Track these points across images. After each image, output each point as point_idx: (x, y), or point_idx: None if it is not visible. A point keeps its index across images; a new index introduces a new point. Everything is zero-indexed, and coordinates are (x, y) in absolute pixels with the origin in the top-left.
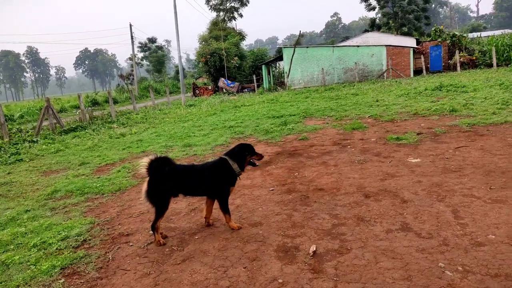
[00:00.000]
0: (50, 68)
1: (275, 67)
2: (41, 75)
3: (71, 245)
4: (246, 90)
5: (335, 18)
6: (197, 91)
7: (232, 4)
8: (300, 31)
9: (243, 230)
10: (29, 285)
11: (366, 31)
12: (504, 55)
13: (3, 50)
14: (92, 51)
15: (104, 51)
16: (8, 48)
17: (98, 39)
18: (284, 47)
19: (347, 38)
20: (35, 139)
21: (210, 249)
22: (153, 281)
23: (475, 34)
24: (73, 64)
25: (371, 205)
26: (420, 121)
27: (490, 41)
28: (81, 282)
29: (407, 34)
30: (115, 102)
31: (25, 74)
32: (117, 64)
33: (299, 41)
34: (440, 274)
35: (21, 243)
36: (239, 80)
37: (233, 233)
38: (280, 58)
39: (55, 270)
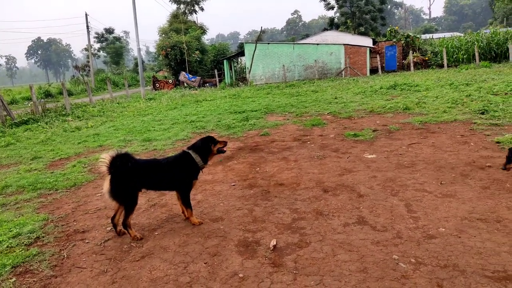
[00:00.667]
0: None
1: (237, 63)
2: None
3: (23, 243)
4: (207, 84)
5: (295, 16)
6: (157, 85)
7: None
8: (261, 27)
9: (204, 226)
10: None
11: (325, 29)
12: (454, 57)
13: None
14: (45, 41)
15: (58, 40)
16: None
17: (52, 28)
18: (246, 43)
19: (307, 36)
20: None
21: (171, 245)
22: (111, 278)
23: (427, 36)
24: (25, 54)
25: (330, 200)
26: (376, 118)
27: (441, 43)
28: (34, 281)
29: (364, 33)
30: (70, 94)
31: None
32: (72, 55)
33: (261, 37)
34: (394, 266)
35: None
36: (201, 74)
37: (194, 229)
38: (242, 53)
39: (6, 269)
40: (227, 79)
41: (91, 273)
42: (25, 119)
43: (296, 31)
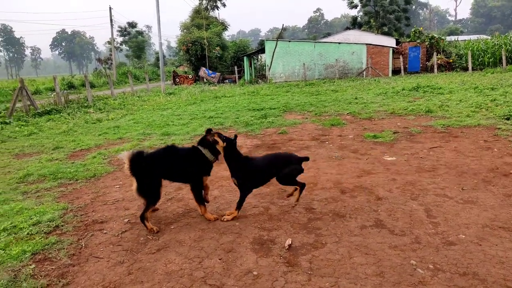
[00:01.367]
0: (25, 48)
1: (257, 60)
2: (15, 55)
3: (42, 231)
4: (227, 81)
5: (317, 14)
6: (177, 80)
7: None
8: (283, 24)
9: (219, 222)
10: None
11: (347, 28)
12: (479, 60)
13: None
14: (69, 33)
15: (82, 33)
16: None
17: (76, 21)
18: (267, 40)
19: (329, 34)
20: (7, 121)
21: (186, 240)
22: (127, 269)
23: (452, 38)
24: (50, 45)
25: (347, 201)
26: (397, 120)
27: (466, 45)
28: (52, 269)
29: (387, 33)
30: (92, 86)
31: None
32: (95, 48)
33: (282, 34)
34: (411, 272)
35: None
36: (221, 70)
37: (209, 224)
38: (262, 50)
39: (26, 256)
40: (247, 76)
41: (107, 263)
42: (48, 109)
43: (317, 29)
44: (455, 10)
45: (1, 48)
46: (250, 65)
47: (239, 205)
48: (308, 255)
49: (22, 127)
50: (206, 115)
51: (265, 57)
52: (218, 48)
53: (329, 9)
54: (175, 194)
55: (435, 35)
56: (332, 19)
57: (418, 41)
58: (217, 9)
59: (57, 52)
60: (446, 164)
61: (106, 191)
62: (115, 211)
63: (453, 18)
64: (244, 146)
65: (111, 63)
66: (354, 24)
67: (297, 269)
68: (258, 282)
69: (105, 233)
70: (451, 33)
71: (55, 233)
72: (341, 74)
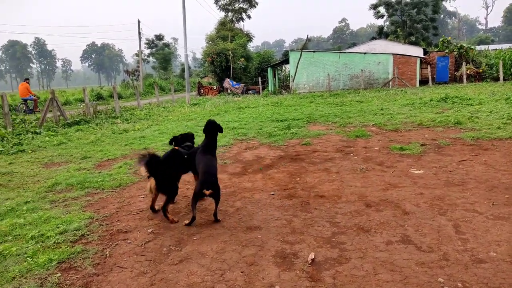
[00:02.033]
0: (56, 60)
1: (281, 70)
2: (47, 67)
3: (69, 239)
4: (251, 91)
5: (343, 24)
6: (202, 90)
7: (241, 5)
8: (307, 35)
9: (242, 234)
10: (25, 278)
11: (373, 38)
12: (511, 70)
13: (10, 40)
14: (99, 45)
15: (111, 45)
16: (15, 38)
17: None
18: (291, 51)
19: (354, 44)
20: (38, 131)
21: (208, 251)
22: (149, 280)
23: (482, 47)
24: (80, 57)
25: (372, 215)
26: (425, 132)
27: (497, 55)
28: (77, 277)
29: (415, 43)
30: (120, 97)
31: (31, 65)
32: (123, 60)
33: (306, 45)
34: None
35: (19, 235)
36: (245, 81)
37: (231, 236)
38: (286, 61)
39: (52, 264)
40: (271, 87)
41: (131, 273)
42: (77, 119)
43: (343, 39)
44: (486, 18)
45: (34, 60)
46: (274, 76)
47: None
48: (332, 270)
49: (52, 137)
50: (230, 125)
51: (289, 68)
52: (242, 59)
53: (355, 19)
54: (198, 205)
55: (464, 45)
56: (358, 29)
57: (447, 50)
58: (242, 21)
59: (86, 64)
60: (476, 178)
61: (131, 200)
62: (139, 221)
63: (483, 27)
64: (267, 157)
65: (138, 75)
66: (380, 34)
67: (320, 285)
68: None
69: (129, 242)
70: (481, 42)
71: (81, 242)
72: (366, 85)
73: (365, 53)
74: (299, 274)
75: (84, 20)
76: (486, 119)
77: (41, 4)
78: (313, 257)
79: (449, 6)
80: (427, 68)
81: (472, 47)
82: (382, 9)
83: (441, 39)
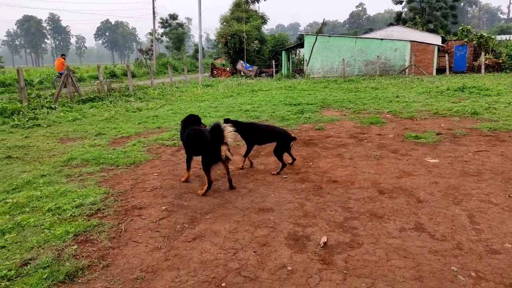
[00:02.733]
0: (70, 37)
1: (295, 54)
2: (61, 43)
3: (85, 213)
4: (264, 74)
5: (360, 9)
6: (215, 72)
7: None
8: (323, 19)
9: (254, 215)
10: (42, 248)
11: (391, 24)
12: None
13: (25, 15)
14: (113, 23)
15: (125, 24)
16: (30, 13)
17: (120, 12)
18: (306, 35)
19: (371, 30)
20: (53, 106)
21: (221, 230)
22: (164, 255)
23: (503, 37)
24: (94, 34)
25: (385, 202)
26: (440, 121)
27: None
28: (93, 250)
29: (433, 31)
30: (133, 76)
31: (45, 40)
32: (137, 38)
33: (322, 29)
34: (452, 278)
35: (36, 207)
36: (258, 64)
37: (244, 217)
38: (301, 45)
39: (69, 236)
40: (284, 70)
41: (146, 248)
42: (91, 96)
43: (359, 24)
44: (508, 7)
45: (48, 36)
46: (288, 60)
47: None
48: (344, 254)
49: (67, 112)
50: (243, 108)
51: (303, 52)
52: (256, 41)
53: (372, 4)
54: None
55: (484, 34)
56: (375, 15)
57: (466, 39)
58: (257, 2)
59: (100, 41)
60: (492, 169)
61: (145, 178)
62: (153, 198)
63: (505, 16)
64: None
65: (152, 54)
66: (398, 20)
67: (332, 268)
68: (292, 277)
69: (143, 218)
70: (502, 32)
71: (97, 216)
72: (382, 71)
73: (382, 39)
74: (311, 257)
75: None
76: (504, 110)
77: None
78: (326, 240)
79: None
80: (444, 56)
81: (493, 36)
82: None
83: (460, 28)
